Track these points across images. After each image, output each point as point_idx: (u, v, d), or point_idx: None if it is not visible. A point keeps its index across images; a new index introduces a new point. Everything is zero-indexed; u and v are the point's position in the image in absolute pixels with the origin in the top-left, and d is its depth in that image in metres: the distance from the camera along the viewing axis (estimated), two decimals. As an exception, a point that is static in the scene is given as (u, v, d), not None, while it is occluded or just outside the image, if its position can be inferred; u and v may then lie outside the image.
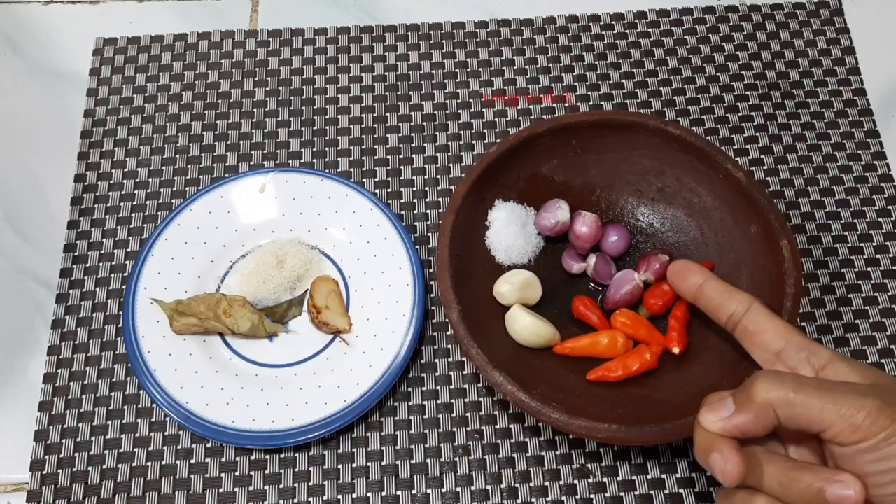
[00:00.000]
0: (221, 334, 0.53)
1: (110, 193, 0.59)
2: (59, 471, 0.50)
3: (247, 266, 0.55)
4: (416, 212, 0.58)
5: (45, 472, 0.50)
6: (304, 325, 0.54)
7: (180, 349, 0.52)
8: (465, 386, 0.52)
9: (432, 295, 0.55)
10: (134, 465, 0.50)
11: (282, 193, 0.56)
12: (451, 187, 0.59)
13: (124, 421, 0.51)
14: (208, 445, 0.51)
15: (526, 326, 0.49)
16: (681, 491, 0.49)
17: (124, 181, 0.59)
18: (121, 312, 0.55)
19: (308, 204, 0.56)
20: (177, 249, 0.54)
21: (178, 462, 0.50)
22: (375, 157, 0.60)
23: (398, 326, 0.52)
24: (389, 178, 0.59)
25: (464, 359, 0.53)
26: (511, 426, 0.51)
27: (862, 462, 0.33)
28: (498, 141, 0.59)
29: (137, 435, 0.51)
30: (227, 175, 0.59)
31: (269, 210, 0.56)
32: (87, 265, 0.56)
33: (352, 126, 0.61)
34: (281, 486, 0.50)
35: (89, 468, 0.50)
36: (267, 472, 0.50)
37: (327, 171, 0.59)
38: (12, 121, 0.62)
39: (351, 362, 0.51)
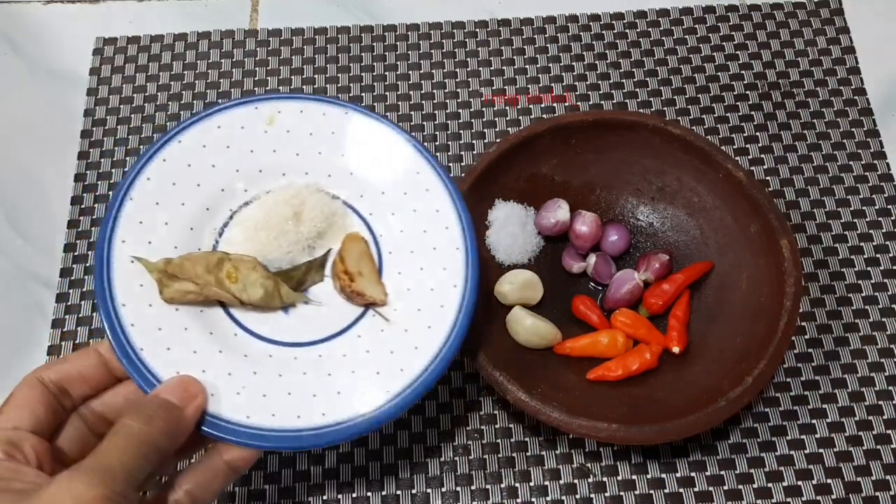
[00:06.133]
0: (224, 303, 0.43)
1: (110, 193, 0.59)
2: (60, 470, 0.50)
3: (252, 217, 0.44)
4: (416, 211, 0.58)
5: (45, 472, 0.50)
6: (326, 292, 0.44)
7: (172, 322, 0.41)
8: (465, 386, 0.52)
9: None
10: (134, 464, 0.50)
11: (295, 127, 0.46)
12: (451, 187, 0.59)
13: (124, 420, 0.51)
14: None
15: (528, 328, 0.49)
16: (681, 490, 0.49)
17: (124, 181, 0.59)
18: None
19: (329, 142, 0.46)
20: (163, 192, 0.43)
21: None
22: (375, 157, 0.60)
23: (448, 299, 0.43)
24: (389, 178, 0.59)
25: (464, 359, 0.53)
26: (511, 426, 0.51)
27: None
28: (498, 141, 0.59)
29: (137, 434, 0.51)
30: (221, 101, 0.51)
31: (279, 147, 0.46)
32: (87, 265, 0.56)
33: (352, 126, 0.61)
34: (281, 485, 0.50)
35: (89, 468, 0.50)
36: (267, 471, 0.50)
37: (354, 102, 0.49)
38: (12, 121, 0.62)
39: (391, 343, 0.42)
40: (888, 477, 0.50)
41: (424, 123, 0.61)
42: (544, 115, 0.62)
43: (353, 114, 0.47)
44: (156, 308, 0.41)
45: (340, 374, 0.41)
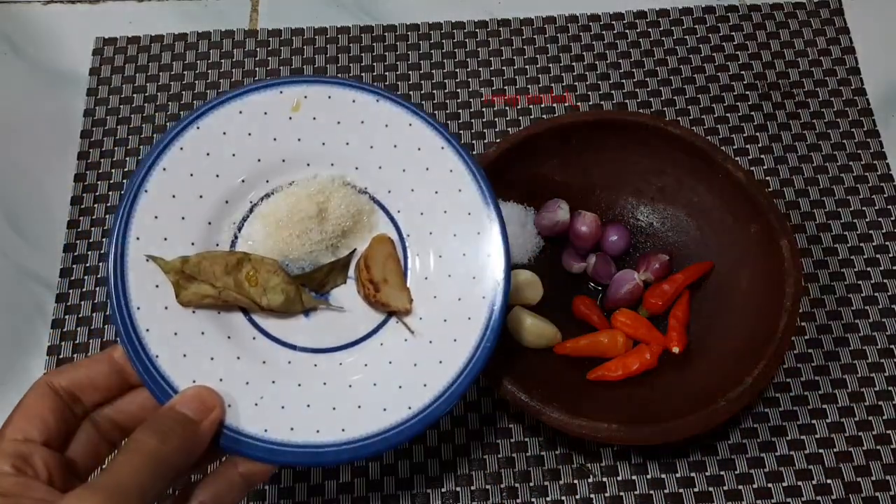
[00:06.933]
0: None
1: (110, 193, 0.59)
2: (59, 471, 0.50)
3: (275, 211, 0.42)
4: (416, 211, 0.58)
5: (45, 472, 0.50)
6: (347, 296, 0.42)
7: (189, 326, 0.38)
8: (465, 386, 0.52)
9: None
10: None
11: (322, 114, 0.43)
12: (451, 187, 0.59)
13: (124, 421, 0.51)
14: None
15: (528, 328, 0.49)
16: (681, 491, 0.49)
17: (124, 181, 0.59)
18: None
19: (357, 132, 0.43)
20: (179, 184, 0.40)
21: (178, 462, 0.50)
22: (375, 157, 0.60)
23: (476, 312, 0.40)
24: (389, 178, 0.59)
25: (464, 358, 0.53)
26: (511, 426, 0.51)
27: None
28: (498, 141, 0.59)
29: (137, 435, 0.51)
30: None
31: (304, 135, 0.42)
32: (87, 265, 0.56)
33: (352, 126, 0.61)
34: (281, 486, 0.50)
35: (89, 468, 0.50)
36: (267, 471, 0.50)
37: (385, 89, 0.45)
38: (13, 121, 0.62)
39: (415, 355, 0.40)
40: (888, 477, 0.50)
41: (424, 124, 0.61)
42: (544, 116, 0.62)
43: (384, 102, 0.43)
44: (171, 310, 0.38)
45: (361, 385, 0.40)
